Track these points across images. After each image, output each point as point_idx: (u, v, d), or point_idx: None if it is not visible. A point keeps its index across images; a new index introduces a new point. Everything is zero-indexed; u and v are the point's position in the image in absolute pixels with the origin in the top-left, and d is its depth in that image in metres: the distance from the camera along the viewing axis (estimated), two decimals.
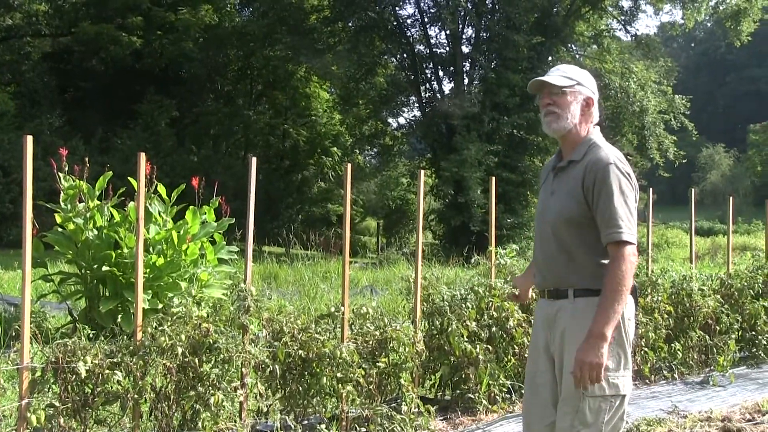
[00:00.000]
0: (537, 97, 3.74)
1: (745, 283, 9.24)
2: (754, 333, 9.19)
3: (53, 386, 4.83)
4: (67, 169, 8.21)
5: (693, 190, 10.24)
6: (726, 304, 8.90)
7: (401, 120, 42.49)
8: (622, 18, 36.67)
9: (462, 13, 32.95)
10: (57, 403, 4.73)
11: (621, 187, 3.47)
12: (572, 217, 3.53)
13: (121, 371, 4.90)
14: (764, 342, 9.19)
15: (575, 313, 3.53)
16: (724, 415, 6.82)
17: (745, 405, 7.23)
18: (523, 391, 6.96)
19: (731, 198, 10.63)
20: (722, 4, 35.19)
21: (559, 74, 3.67)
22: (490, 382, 6.79)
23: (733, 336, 8.80)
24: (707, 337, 8.59)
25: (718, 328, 8.72)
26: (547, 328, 3.65)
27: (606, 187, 3.45)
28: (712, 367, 8.61)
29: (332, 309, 6.15)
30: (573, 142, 3.66)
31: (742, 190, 72.86)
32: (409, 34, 35.62)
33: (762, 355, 9.20)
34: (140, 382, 4.94)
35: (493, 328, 6.91)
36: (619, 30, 37.92)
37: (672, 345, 8.29)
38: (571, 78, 3.65)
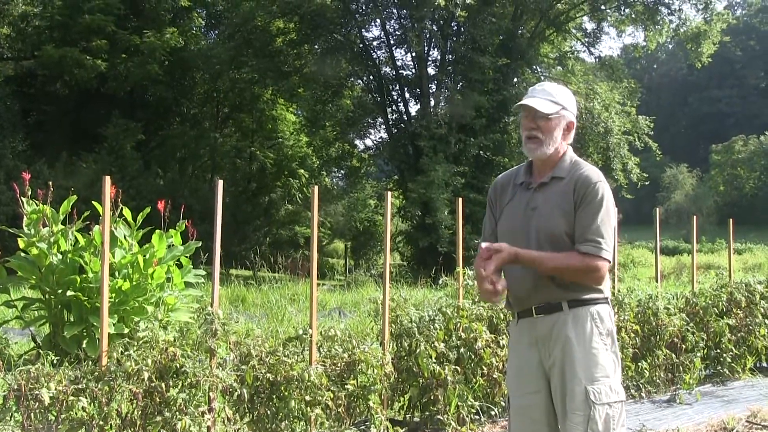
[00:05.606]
0: (519, 115, 3.74)
1: (710, 302, 9.33)
2: (718, 351, 9.26)
3: (15, 414, 4.76)
4: (30, 193, 8.09)
5: (657, 209, 10.35)
6: (691, 323, 8.97)
7: (368, 142, 42.81)
8: (586, 40, 37.27)
9: (428, 35, 33.14)
10: None
11: (608, 207, 3.54)
12: (562, 233, 3.54)
13: (86, 397, 4.85)
14: (729, 360, 9.28)
15: (574, 322, 3.52)
16: None
17: (711, 422, 7.28)
18: (491, 413, 7.04)
19: (695, 217, 10.76)
20: (683, 26, 35.75)
21: (544, 97, 3.64)
22: (459, 403, 6.78)
23: (698, 354, 8.87)
24: (673, 355, 8.65)
25: (683, 346, 8.78)
26: (541, 345, 3.60)
27: (594, 204, 3.51)
28: (678, 386, 8.66)
29: (300, 332, 6.13)
30: (551, 160, 3.68)
31: (706, 209, 73.76)
32: (375, 56, 35.77)
33: (727, 372, 9.28)
34: (106, 408, 4.88)
35: (462, 349, 6.90)
36: (583, 52, 38.58)
37: (639, 364, 8.34)
38: (557, 103, 3.63)
